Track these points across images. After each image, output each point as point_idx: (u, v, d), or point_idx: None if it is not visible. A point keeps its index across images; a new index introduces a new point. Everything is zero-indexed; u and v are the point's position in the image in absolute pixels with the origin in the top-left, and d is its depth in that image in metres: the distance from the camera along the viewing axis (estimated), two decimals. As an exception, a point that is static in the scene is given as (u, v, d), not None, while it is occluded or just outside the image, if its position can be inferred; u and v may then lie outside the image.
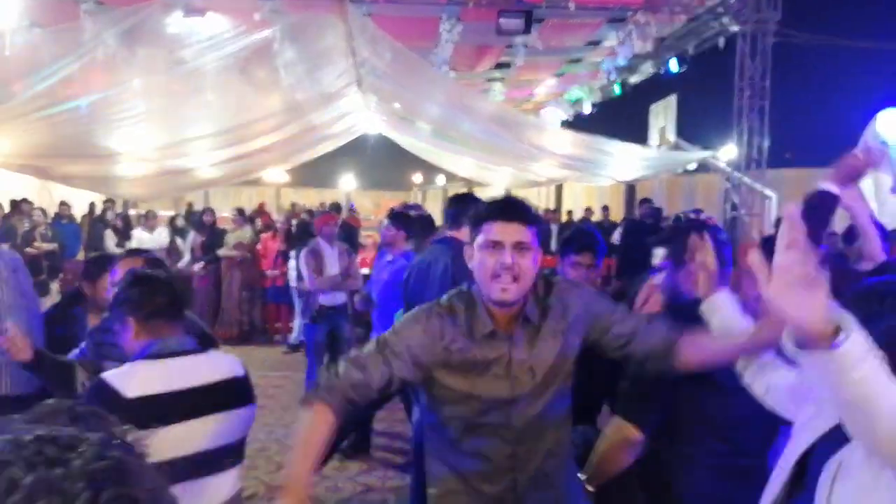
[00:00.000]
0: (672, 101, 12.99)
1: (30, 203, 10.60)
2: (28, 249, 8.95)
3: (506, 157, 11.99)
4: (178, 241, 10.88)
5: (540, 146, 11.15)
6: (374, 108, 11.28)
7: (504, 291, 1.84)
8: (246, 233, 10.34)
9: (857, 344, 1.13)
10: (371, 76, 9.44)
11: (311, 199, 19.99)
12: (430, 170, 25.69)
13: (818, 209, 2.63)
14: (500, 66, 11.74)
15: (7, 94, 9.84)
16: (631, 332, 1.96)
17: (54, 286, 9.37)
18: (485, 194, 15.91)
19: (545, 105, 15.30)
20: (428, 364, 1.88)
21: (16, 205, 10.61)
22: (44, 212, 10.40)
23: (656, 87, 12.79)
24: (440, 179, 27.61)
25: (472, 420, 1.92)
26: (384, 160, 20.97)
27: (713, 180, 12.94)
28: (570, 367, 2.00)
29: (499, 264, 1.83)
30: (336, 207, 11.66)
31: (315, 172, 21.29)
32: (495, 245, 1.84)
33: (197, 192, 17.60)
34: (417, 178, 28.04)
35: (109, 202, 12.19)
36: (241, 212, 12.43)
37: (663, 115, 13.47)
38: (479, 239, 1.88)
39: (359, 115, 11.69)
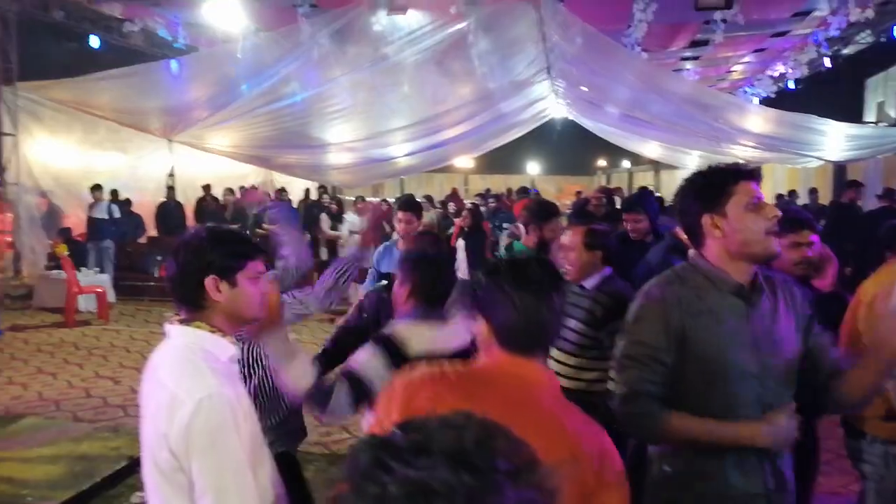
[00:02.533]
0: (895, 72, 11.70)
1: (257, 188, 11.99)
2: (259, 230, 10.04)
3: (698, 138, 11.54)
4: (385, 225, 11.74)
5: (738, 126, 10.60)
6: (562, 93, 11.38)
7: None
8: (432, 217, 11.00)
9: None
10: (560, 61, 9.54)
11: (496, 184, 20.51)
12: (614, 153, 25.22)
13: None
14: (694, 44, 11.27)
15: (237, 93, 11.23)
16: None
17: (279, 264, 10.50)
18: (672, 177, 15.38)
19: (743, 83, 14.42)
20: None
21: (246, 191, 11.99)
22: (270, 197, 11.62)
23: (876, 57, 11.57)
24: (625, 163, 26.96)
25: None
26: (568, 145, 20.93)
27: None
28: None
29: (774, 218, 1.79)
30: (525, 191, 11.92)
31: (500, 158, 21.77)
32: (759, 203, 1.79)
33: (393, 179, 18.81)
34: (601, 162, 27.60)
35: (323, 188, 13.44)
36: (429, 198, 13.19)
37: (883, 89, 12.17)
38: (741, 200, 1.79)
39: (547, 101, 11.86)
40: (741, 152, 12.02)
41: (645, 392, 1.78)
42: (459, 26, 8.80)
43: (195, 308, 1.55)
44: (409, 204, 4.29)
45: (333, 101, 10.84)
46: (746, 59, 12.65)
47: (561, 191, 22.25)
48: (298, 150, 12.21)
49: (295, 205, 12.69)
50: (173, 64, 10.87)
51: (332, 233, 11.42)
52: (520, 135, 13.15)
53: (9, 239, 10.53)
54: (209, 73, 10.94)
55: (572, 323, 2.85)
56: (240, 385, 1.55)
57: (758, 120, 11.01)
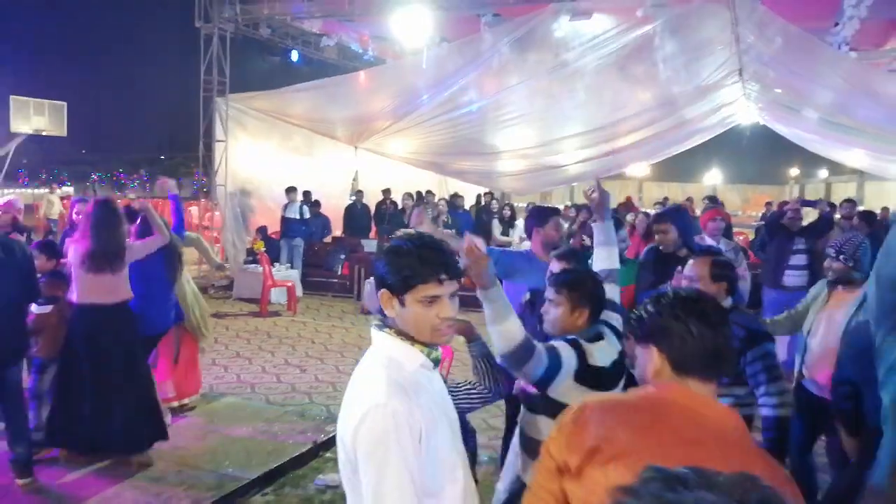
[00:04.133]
0: None
1: (433, 194, 12.37)
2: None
3: (916, 146, 10.26)
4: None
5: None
6: (755, 97, 10.62)
7: None
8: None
9: None
10: (755, 63, 8.92)
11: (673, 192, 19.63)
12: (809, 162, 23.12)
13: None
14: (914, 40, 10.08)
15: (418, 103, 11.70)
16: None
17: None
18: (881, 189, 13.80)
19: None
20: None
21: (422, 196, 12.42)
22: (446, 201, 11.93)
23: None
24: (822, 172, 24.63)
25: None
26: (755, 152, 19.55)
27: None
28: None
29: None
30: (713, 200, 11.26)
31: (678, 165, 20.83)
32: None
33: (563, 186, 18.63)
34: (794, 171, 25.45)
35: (489, 194, 13.62)
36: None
37: None
38: None
39: (734, 105, 11.13)
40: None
41: None
42: (646, 29, 8.53)
43: (383, 314, 1.59)
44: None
45: (509, 108, 10.94)
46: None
47: (747, 201, 20.79)
48: (472, 157, 12.45)
49: (468, 210, 12.93)
50: (361, 76, 11.61)
51: (504, 238, 11.51)
52: (702, 141, 12.46)
53: (216, 235, 11.74)
54: (394, 84, 11.50)
55: None
56: (426, 395, 1.53)
57: None
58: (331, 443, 4.72)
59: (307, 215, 11.23)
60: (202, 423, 5.08)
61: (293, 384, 6.24)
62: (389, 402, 1.44)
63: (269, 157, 11.92)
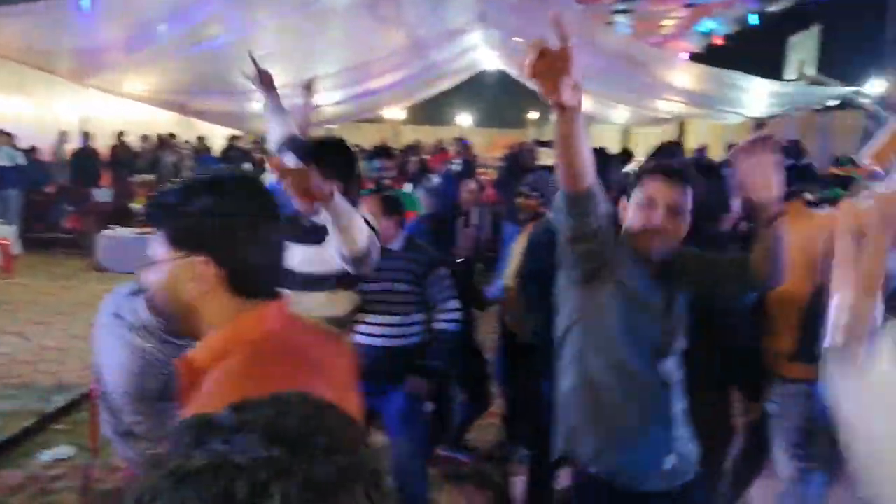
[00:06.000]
0: (815, 31, 12.07)
1: (175, 137, 11.41)
2: (175, 180, 9.59)
3: (628, 93, 11.65)
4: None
5: (666, 82, 10.74)
6: (495, 43, 11.21)
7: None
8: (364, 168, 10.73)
9: None
10: (495, 10, 9.37)
11: (427, 135, 20.26)
12: (546, 106, 25.25)
13: None
14: (626, -4, 11.31)
15: (155, 35, 10.56)
16: None
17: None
18: (602, 131, 15.56)
19: (673, 38, 14.60)
20: None
21: (163, 139, 11.41)
22: (189, 144, 11.09)
23: (798, 16, 11.90)
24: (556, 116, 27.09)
25: None
26: (500, 97, 20.85)
27: (853, 118, 12.01)
28: None
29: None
30: (462, 143, 11.79)
31: (432, 110, 21.49)
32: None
33: (320, 128, 18.28)
34: (533, 115, 27.66)
35: (235, 138, 12.90)
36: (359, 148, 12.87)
37: (803, 48, 12.54)
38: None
39: (480, 51, 11.67)
40: (667, 107, 12.25)
41: None
42: (391, -31, 8.50)
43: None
44: None
45: (258, 45, 10.32)
46: (677, 13, 12.78)
47: (491, 143, 22.19)
48: (219, 97, 11.65)
49: (217, 154, 12.15)
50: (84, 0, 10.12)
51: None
52: (451, 85, 12.94)
53: None
54: (126, 12, 10.22)
55: (396, 286, 3.09)
56: None
57: (684, 76, 11.17)
58: (60, 414, 4.22)
59: (21, 161, 9.71)
60: None
61: (12, 355, 5.44)
62: None
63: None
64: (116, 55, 10.74)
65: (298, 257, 2.43)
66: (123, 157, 10.90)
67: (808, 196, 2.81)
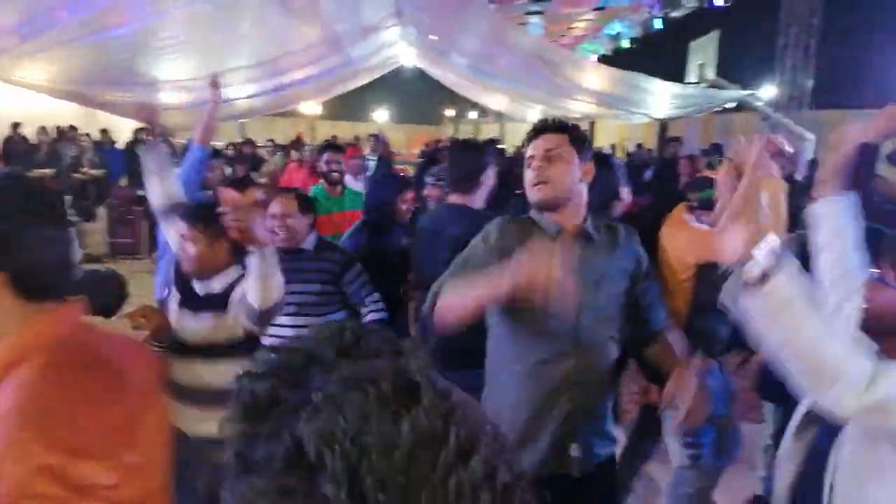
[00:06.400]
0: (714, 37, 12.71)
1: (76, 129, 10.87)
2: (75, 175, 9.18)
3: (541, 93, 11.93)
4: (227, 170, 11.14)
5: (577, 83, 11.06)
6: (412, 40, 11.23)
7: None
8: (276, 162, 10.57)
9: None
10: (411, 7, 9.39)
11: (344, 131, 20.08)
12: (462, 104, 25.52)
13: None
14: (539, -2, 11.57)
15: (51, 21, 9.97)
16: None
17: (101, 211, 9.68)
18: (517, 130, 15.84)
19: (583, 40, 15.05)
20: None
21: (62, 131, 10.86)
22: (90, 138, 10.62)
23: (699, 22, 12.50)
24: (472, 114, 27.42)
25: None
26: (417, 94, 20.89)
27: (750, 120, 12.76)
28: None
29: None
30: (377, 139, 11.77)
31: (349, 105, 21.31)
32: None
33: (233, 123, 17.79)
34: (450, 112, 27.87)
35: (142, 130, 12.39)
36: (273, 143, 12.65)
37: (703, 52, 13.18)
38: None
39: (396, 47, 11.65)
40: (578, 107, 12.63)
41: None
42: (304, -39, 8.36)
43: None
44: None
45: (165, 34, 9.94)
46: (587, 16, 13.18)
47: (410, 140, 22.24)
48: (125, 88, 11.14)
49: (122, 147, 11.66)
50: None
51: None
52: (368, 80, 12.87)
53: None
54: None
55: (311, 286, 3.06)
56: None
57: (594, 77, 11.54)
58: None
59: None
60: None
61: None
62: None
63: None
64: (8, 40, 10.11)
65: (196, 327, 2.43)
66: (18, 150, 10.28)
67: (690, 199, 2.98)
